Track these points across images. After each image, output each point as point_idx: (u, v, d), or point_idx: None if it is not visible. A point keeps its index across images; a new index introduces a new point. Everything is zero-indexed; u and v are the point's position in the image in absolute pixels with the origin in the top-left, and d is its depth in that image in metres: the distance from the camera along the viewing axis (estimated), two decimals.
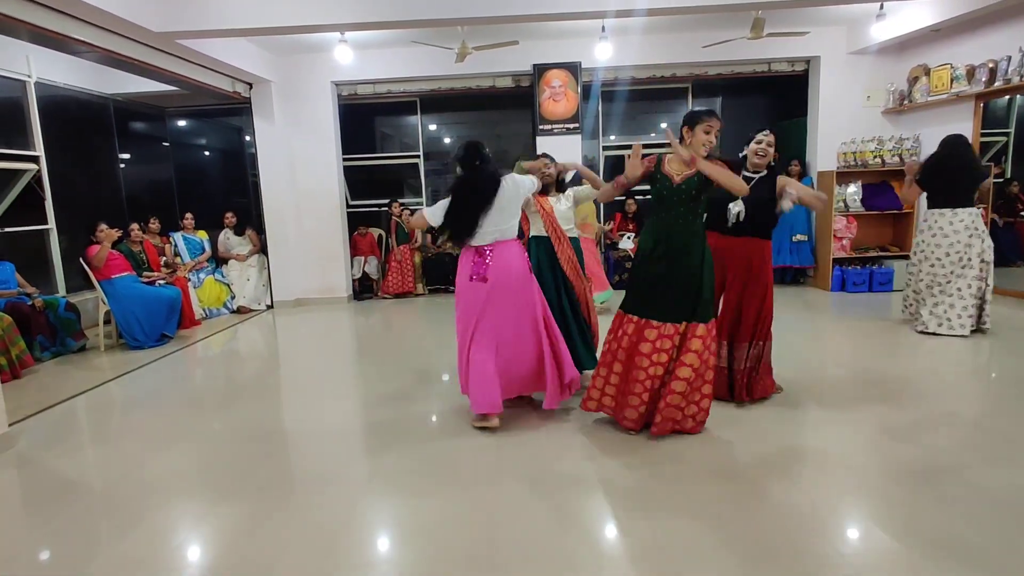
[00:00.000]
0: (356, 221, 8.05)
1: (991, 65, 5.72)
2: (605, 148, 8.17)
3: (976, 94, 5.94)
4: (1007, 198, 6.99)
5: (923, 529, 2.14)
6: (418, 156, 8.25)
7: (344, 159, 7.81)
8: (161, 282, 5.92)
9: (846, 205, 6.95)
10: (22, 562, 2.21)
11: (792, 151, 7.62)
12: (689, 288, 2.88)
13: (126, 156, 7.48)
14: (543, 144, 7.24)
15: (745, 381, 3.39)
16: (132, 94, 7.21)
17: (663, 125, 8.61)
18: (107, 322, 5.60)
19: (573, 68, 7.09)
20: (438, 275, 7.95)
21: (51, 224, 6.09)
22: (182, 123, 8.54)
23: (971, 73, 5.95)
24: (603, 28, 6.20)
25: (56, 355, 5.24)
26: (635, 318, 2.98)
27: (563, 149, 7.15)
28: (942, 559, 1.97)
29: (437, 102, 8.16)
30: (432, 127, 8.63)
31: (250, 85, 6.99)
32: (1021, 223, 7.07)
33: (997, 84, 5.67)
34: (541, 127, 7.24)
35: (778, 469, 2.67)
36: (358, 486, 2.72)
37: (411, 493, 2.62)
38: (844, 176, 7.02)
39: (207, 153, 9.08)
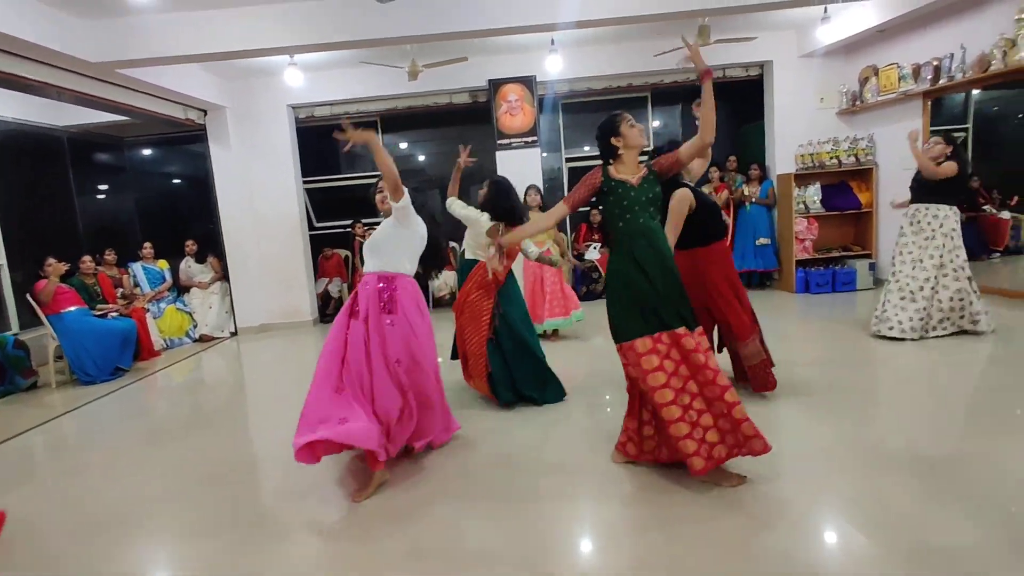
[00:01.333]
0: (324, 243, 8.00)
1: (935, 63, 5.79)
2: (568, 160, 8.18)
3: (923, 92, 6.00)
4: (968, 192, 7.06)
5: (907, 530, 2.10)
6: (379, 176, 8.20)
7: (305, 181, 7.77)
8: (114, 314, 5.82)
9: (806, 207, 6.98)
10: None
11: (753, 155, 7.68)
12: (682, 290, 2.62)
13: (82, 188, 7.40)
14: (502, 159, 7.25)
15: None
16: (87, 125, 7.15)
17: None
18: (59, 358, 5.50)
19: (528, 82, 7.11)
20: None
21: (2, 260, 5.99)
22: (141, 152, 8.47)
23: (917, 72, 6.03)
24: (552, 42, 6.25)
25: (5, 394, 5.12)
26: (662, 334, 2.53)
27: (522, 163, 7.19)
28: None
29: (398, 121, 8.15)
30: (398, 145, 8.62)
31: (204, 112, 6.95)
32: (983, 217, 7.13)
33: (942, 82, 5.74)
34: (499, 142, 7.24)
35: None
36: (326, 515, 2.65)
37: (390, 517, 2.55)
38: (803, 178, 7.06)
39: (168, 181, 9.01)
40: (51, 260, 5.33)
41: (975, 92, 6.60)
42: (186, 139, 7.95)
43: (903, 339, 4.49)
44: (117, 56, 4.81)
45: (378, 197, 3.07)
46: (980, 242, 7.19)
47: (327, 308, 7.85)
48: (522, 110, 7.19)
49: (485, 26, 4.99)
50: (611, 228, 2.69)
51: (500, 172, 7.37)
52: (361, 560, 2.26)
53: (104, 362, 5.38)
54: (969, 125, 7.12)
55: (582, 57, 7.00)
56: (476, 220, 3.93)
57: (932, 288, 4.44)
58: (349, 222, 7.98)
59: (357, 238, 7.77)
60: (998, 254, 7.17)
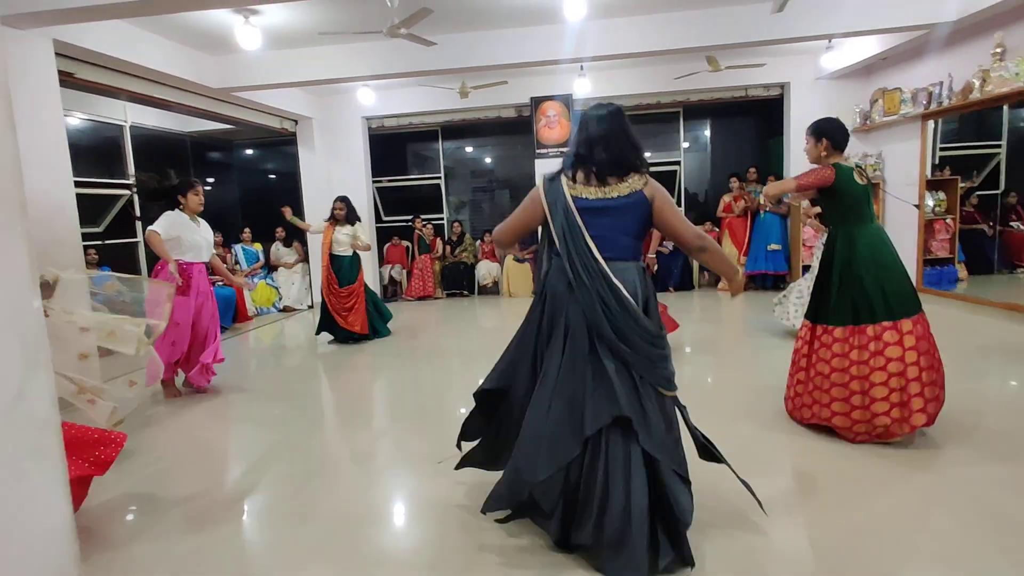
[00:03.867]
0: (390, 233, 9.37)
1: (930, 89, 6.34)
2: None
3: (921, 114, 6.54)
4: (1003, 208, 7.34)
5: None
6: (440, 177, 9.48)
7: (375, 180, 9.13)
8: (219, 283, 7.34)
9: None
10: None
11: (773, 167, 8.34)
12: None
13: (199, 181, 9.07)
14: (540, 166, 8.31)
15: None
16: (205, 131, 8.81)
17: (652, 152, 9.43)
18: None
19: (565, 99, 8.12)
20: (455, 281, 9.12)
21: (139, 238, 7.65)
22: (245, 153, 10.14)
23: (915, 96, 6.57)
24: (581, 67, 7.22)
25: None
26: (887, 323, 2.88)
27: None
28: None
29: (455, 130, 9.37)
30: (453, 151, 9.87)
31: (295, 122, 8.42)
32: (1009, 233, 7.47)
33: (933, 106, 6.29)
34: (538, 151, 8.30)
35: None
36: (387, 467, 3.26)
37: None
38: None
39: (265, 178, 10.67)
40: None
41: (1006, 109, 6.88)
42: (280, 144, 9.51)
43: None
44: (232, 83, 6.25)
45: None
46: (1004, 257, 7.54)
47: (389, 290, 9.20)
48: (559, 123, 8.21)
49: (514, 60, 6.07)
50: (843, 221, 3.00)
51: (538, 179, 8.44)
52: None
53: None
54: (1003, 142, 7.47)
55: (611, 78, 7.94)
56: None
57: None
58: (411, 217, 9.28)
59: (416, 230, 9.06)
60: (1022, 270, 7.50)
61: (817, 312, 3.09)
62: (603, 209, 2.09)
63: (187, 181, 4.37)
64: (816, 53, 7.43)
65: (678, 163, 8.96)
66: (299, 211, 8.88)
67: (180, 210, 4.27)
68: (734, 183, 8.15)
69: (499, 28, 5.98)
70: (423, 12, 4.60)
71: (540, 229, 2.27)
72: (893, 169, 7.26)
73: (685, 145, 9.20)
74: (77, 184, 6.93)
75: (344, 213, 6.03)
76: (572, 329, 2.09)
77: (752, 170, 8.34)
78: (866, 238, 2.95)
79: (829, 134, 3.02)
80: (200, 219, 4.44)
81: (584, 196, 2.10)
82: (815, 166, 3.05)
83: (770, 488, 2.47)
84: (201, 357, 4.31)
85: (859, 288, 2.91)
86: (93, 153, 7.66)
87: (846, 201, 2.97)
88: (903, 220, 6.92)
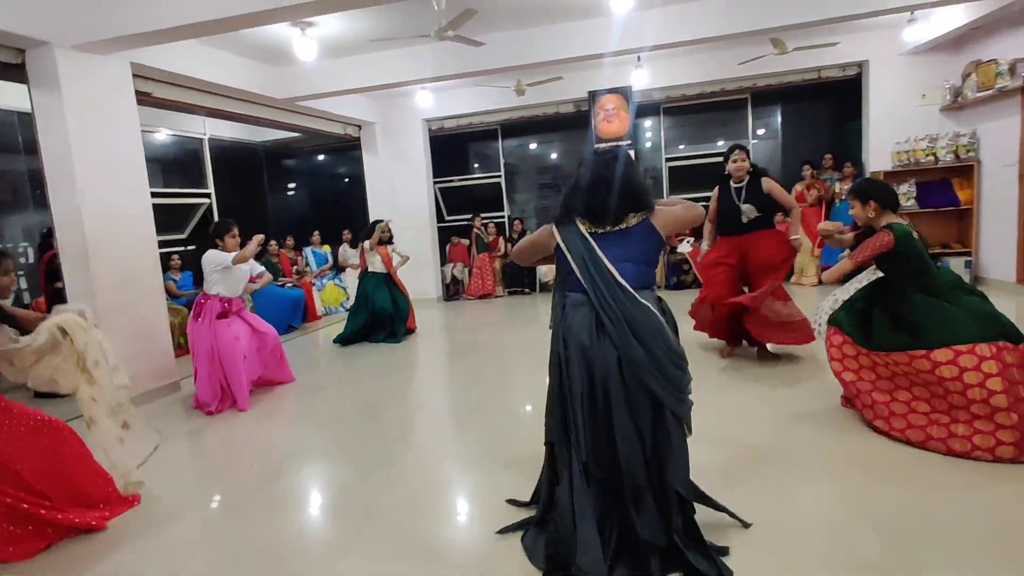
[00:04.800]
0: (452, 233, 9.51)
1: None
2: (668, 160, 8.84)
3: (1021, 88, 5.90)
4: None
5: None
6: (499, 176, 9.51)
7: (436, 181, 9.28)
8: (288, 285, 7.70)
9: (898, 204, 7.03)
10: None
11: (851, 152, 7.79)
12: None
13: (272, 187, 9.56)
14: None
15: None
16: (276, 139, 9.26)
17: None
18: None
19: (624, 92, 7.92)
20: (516, 278, 9.13)
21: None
22: (313, 159, 10.58)
23: (1013, 68, 5.93)
24: (638, 58, 7.01)
25: None
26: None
27: None
28: None
29: (514, 128, 9.37)
30: (514, 148, 9.86)
31: (359, 127, 8.69)
32: None
33: None
34: (596, 146, 8.14)
35: None
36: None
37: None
38: (896, 175, 7.11)
39: (332, 182, 11.09)
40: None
41: None
42: (345, 149, 9.84)
43: None
44: (295, 93, 6.53)
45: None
46: None
47: (452, 289, 9.33)
48: (618, 117, 8.02)
49: (566, 55, 5.98)
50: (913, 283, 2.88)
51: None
52: None
53: (280, 320, 7.21)
54: None
55: (670, 67, 7.66)
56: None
57: None
58: (470, 215, 9.37)
59: (475, 229, 9.14)
60: None
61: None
62: (616, 239, 2.11)
63: (224, 224, 4.58)
64: (897, 27, 6.85)
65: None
66: (364, 214, 9.18)
67: (219, 251, 4.47)
68: (807, 171, 7.68)
69: (550, 23, 5.91)
70: (468, 13, 4.61)
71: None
72: (989, 149, 6.60)
73: (761, 132, 8.79)
74: (163, 194, 7.51)
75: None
76: (598, 382, 2.05)
77: (828, 157, 7.82)
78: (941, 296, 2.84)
79: (875, 195, 2.93)
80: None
81: (595, 231, 2.14)
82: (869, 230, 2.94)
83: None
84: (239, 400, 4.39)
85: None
86: (178, 165, 8.23)
87: (912, 263, 2.85)
88: (1002, 210, 6.31)
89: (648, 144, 9.15)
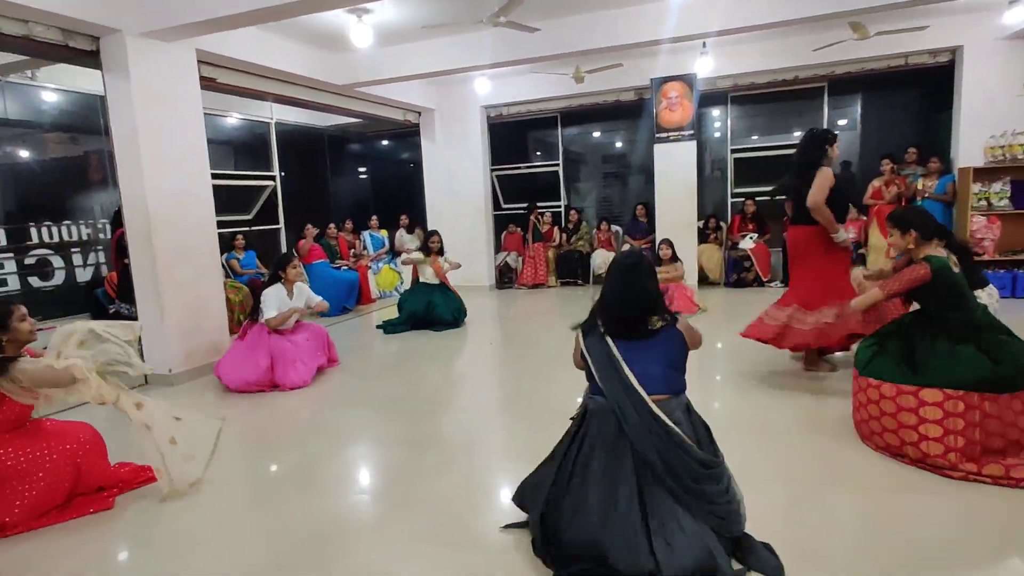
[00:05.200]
0: (508, 221, 9.47)
1: None
2: (734, 151, 8.45)
3: None
4: None
5: None
6: (558, 164, 9.38)
7: (493, 169, 9.25)
8: (345, 268, 7.89)
9: (990, 204, 6.44)
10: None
11: (939, 146, 7.18)
12: None
13: (334, 172, 9.81)
14: (660, 152, 7.88)
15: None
16: (339, 125, 9.48)
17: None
18: None
19: (688, 79, 7.60)
20: (569, 269, 9.01)
21: (281, 224, 8.45)
22: (373, 145, 10.78)
23: None
24: (704, 44, 6.69)
25: None
26: None
27: (679, 155, 7.76)
28: None
29: (573, 116, 9.19)
30: (575, 136, 9.68)
31: (418, 113, 8.76)
32: None
33: None
34: (657, 135, 7.87)
35: None
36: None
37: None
38: (989, 173, 6.50)
39: (390, 168, 11.27)
40: (309, 226, 7.48)
41: None
42: (404, 135, 9.96)
43: None
44: (354, 80, 6.63)
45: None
46: None
47: (504, 277, 9.31)
48: (681, 105, 7.71)
49: (626, 41, 5.77)
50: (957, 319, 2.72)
51: (657, 164, 8.04)
52: None
53: (336, 301, 7.41)
54: None
55: (737, 54, 7.27)
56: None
57: None
58: (526, 204, 9.29)
59: (532, 219, 9.06)
60: None
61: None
62: (641, 345, 2.17)
63: (286, 257, 4.91)
64: (996, 9, 6.23)
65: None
66: (421, 200, 9.29)
67: (282, 283, 4.73)
68: (886, 166, 7.11)
69: (609, 8, 5.71)
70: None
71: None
72: None
73: (843, 122, 8.26)
74: (229, 176, 7.84)
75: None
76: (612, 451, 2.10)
77: (912, 151, 7.23)
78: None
79: (917, 225, 2.83)
80: (299, 285, 4.86)
81: (621, 338, 2.20)
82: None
83: None
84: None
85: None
86: (247, 148, 8.56)
87: (952, 292, 2.72)
88: None
89: (716, 134, 8.78)
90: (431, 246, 6.52)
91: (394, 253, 9.29)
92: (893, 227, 2.91)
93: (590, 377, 2.23)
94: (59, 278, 6.31)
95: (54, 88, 6.27)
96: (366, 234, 9.12)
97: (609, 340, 2.18)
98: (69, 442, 2.68)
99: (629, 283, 2.21)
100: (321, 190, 9.60)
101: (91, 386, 2.52)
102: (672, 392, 2.14)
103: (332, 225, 8.22)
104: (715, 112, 8.68)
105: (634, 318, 2.19)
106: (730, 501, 2.04)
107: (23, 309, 2.63)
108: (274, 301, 4.63)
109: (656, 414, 2.04)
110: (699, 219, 8.25)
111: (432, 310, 6.36)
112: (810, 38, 6.75)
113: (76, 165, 6.88)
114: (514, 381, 4.70)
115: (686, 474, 1.99)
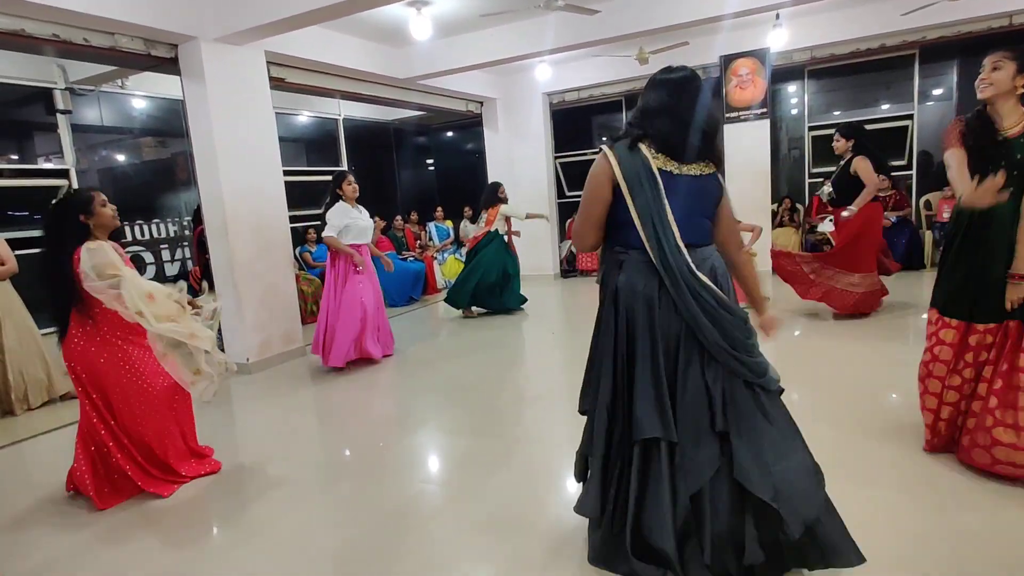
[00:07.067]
0: (572, 209, 9.35)
1: None
2: (811, 128, 7.96)
3: None
4: None
5: None
6: None
7: (557, 156, 9.15)
8: (411, 258, 8.05)
9: None
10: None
11: None
12: None
13: (401, 164, 10.00)
14: (731, 132, 7.53)
15: None
16: (404, 118, 9.64)
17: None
18: None
19: (760, 55, 7.20)
20: None
21: None
22: (437, 137, 10.90)
23: None
24: (777, 16, 6.31)
25: None
26: None
27: (752, 135, 7.39)
28: None
29: (635, 102, 8.90)
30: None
31: (480, 103, 8.77)
32: None
33: None
34: (728, 115, 7.52)
35: None
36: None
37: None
38: None
39: (455, 158, 11.36)
40: (376, 218, 7.66)
41: None
42: (467, 125, 10.00)
43: None
44: (415, 73, 6.70)
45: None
46: None
47: (570, 266, 9.24)
48: (753, 83, 7.33)
49: (692, 18, 5.52)
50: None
51: (729, 146, 7.69)
52: None
53: (402, 291, 7.58)
54: None
55: (815, 24, 6.81)
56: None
57: None
58: None
59: None
60: None
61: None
62: (686, 187, 1.80)
63: (340, 173, 4.86)
64: None
65: (910, 117, 7.45)
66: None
67: (342, 200, 4.69)
68: None
69: None
70: None
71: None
72: None
73: (937, 92, 7.62)
74: (303, 172, 8.15)
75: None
76: (667, 341, 1.80)
77: None
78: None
79: (1015, 56, 2.26)
80: (359, 205, 4.87)
81: (668, 169, 1.79)
82: None
83: None
84: (368, 346, 4.77)
85: None
86: (317, 144, 8.87)
87: None
88: None
89: (792, 111, 8.30)
90: (502, 196, 6.68)
91: (459, 243, 9.40)
92: (1010, 61, 2.25)
93: (622, 222, 1.81)
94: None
95: (142, 95, 6.70)
96: (431, 225, 9.27)
97: (656, 169, 1.76)
98: (168, 379, 2.84)
99: (698, 96, 1.79)
100: (388, 183, 9.83)
101: (128, 286, 2.61)
102: (708, 244, 1.87)
103: (399, 217, 8.40)
104: (790, 88, 8.21)
105: (698, 141, 1.77)
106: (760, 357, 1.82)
107: (103, 196, 2.81)
108: (338, 218, 4.65)
109: (698, 276, 1.75)
110: (773, 201, 7.86)
111: (506, 283, 6.57)
112: (897, 3, 6.23)
113: (164, 167, 7.35)
114: (578, 372, 4.59)
115: (736, 335, 1.76)
